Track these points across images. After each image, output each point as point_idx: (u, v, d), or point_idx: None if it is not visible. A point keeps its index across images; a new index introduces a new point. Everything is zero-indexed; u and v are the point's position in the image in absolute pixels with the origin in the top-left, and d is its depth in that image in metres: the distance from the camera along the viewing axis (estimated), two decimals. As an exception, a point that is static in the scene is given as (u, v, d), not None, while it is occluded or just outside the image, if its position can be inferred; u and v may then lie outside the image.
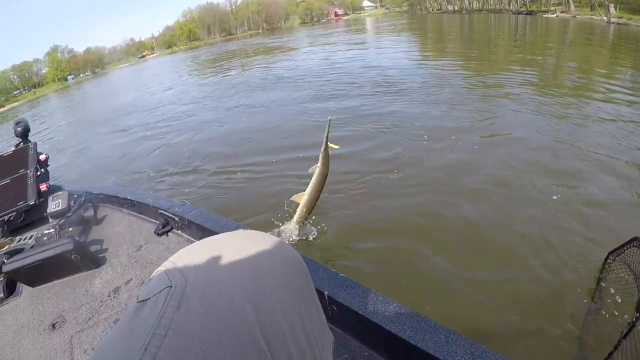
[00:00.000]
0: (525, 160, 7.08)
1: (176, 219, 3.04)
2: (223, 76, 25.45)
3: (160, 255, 2.89)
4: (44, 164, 3.53)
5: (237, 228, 2.60)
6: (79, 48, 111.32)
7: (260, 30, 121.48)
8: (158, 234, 3.11)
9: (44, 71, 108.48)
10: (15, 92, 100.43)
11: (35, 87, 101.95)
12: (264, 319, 0.48)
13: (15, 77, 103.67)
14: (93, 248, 3.19)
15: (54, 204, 3.11)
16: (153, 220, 3.33)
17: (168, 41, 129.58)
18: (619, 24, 40.67)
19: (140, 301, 0.52)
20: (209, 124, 13.30)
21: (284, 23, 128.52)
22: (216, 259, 0.54)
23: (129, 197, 3.55)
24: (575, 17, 47.95)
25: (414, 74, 16.01)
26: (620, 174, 6.37)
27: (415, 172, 6.99)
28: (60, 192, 3.24)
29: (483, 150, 7.67)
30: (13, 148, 3.60)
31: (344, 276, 2.04)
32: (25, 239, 2.99)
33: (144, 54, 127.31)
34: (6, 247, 2.89)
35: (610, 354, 2.49)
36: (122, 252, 3.06)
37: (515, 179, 6.42)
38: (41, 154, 3.54)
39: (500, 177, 6.52)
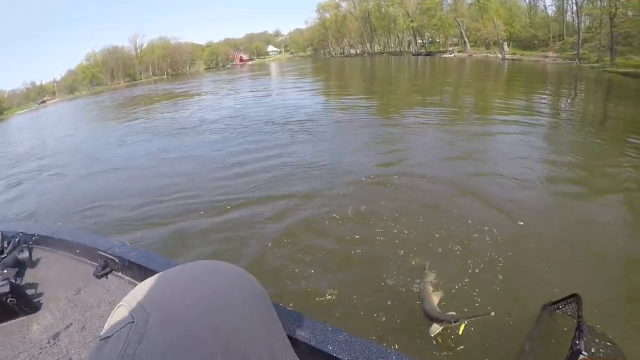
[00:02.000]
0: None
1: (116, 260, 2.89)
2: (128, 122, 23.41)
3: (101, 298, 2.75)
4: None
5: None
6: None
7: (165, 76, 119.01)
8: (97, 276, 2.91)
9: None
10: None
11: None
12: (230, 348, 0.48)
13: None
14: (29, 292, 2.91)
15: None
16: (91, 262, 3.13)
17: (70, 86, 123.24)
18: (512, 59, 42.81)
19: (102, 338, 0.52)
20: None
21: (189, 68, 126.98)
22: (178, 291, 0.55)
23: (65, 238, 3.34)
24: (471, 55, 50.61)
25: (318, 118, 15.73)
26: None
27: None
28: None
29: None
30: None
31: (293, 310, 2.03)
32: None
33: (45, 99, 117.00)
34: None
35: None
36: (61, 295, 2.84)
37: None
38: None
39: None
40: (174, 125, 18.47)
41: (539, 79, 27.67)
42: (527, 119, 12.72)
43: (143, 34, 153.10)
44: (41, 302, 2.85)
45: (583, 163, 8.59)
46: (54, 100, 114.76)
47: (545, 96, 18.71)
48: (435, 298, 4.07)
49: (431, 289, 4.29)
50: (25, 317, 2.71)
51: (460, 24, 56.74)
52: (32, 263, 3.26)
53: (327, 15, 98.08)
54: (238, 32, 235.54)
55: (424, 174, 8.08)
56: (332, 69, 52.59)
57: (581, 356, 2.44)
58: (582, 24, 41.65)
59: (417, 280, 4.64)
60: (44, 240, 3.56)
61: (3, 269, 2.97)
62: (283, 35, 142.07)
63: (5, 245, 3.28)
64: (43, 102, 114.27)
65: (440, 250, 5.34)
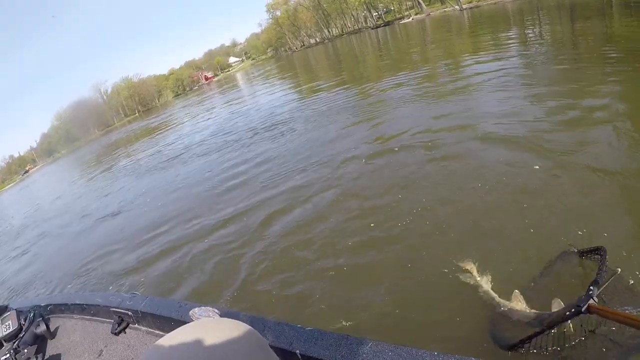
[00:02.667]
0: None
1: (130, 313, 2.84)
2: (111, 170, 23.06)
3: (123, 354, 2.71)
4: None
5: (192, 308, 2.40)
6: None
7: (137, 114, 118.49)
8: (116, 334, 2.84)
9: None
10: None
11: None
12: None
13: None
14: None
15: (4, 327, 3.04)
16: (108, 320, 3.05)
17: (48, 149, 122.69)
18: (471, 8, 42.51)
19: None
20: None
21: (158, 100, 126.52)
22: (176, 355, 0.55)
23: (77, 302, 3.29)
24: (429, 14, 50.14)
25: (297, 114, 15.54)
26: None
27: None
28: (8, 313, 3.14)
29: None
30: None
31: (311, 329, 1.98)
32: None
33: (27, 168, 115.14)
34: None
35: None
36: None
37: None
38: None
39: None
40: (159, 160, 18.31)
41: (502, 20, 27.40)
42: (501, 64, 12.47)
43: (105, 79, 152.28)
44: None
45: (568, 90, 8.38)
46: (37, 167, 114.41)
47: (512, 35, 18.54)
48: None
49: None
50: None
51: (411, -15, 56.09)
52: (51, 334, 3.20)
53: (278, 12, 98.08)
54: (196, 52, 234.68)
55: (421, 139, 7.98)
56: (297, 63, 52.31)
57: (591, 301, 2.33)
58: None
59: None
60: (59, 309, 3.54)
61: (24, 349, 2.93)
62: (241, 43, 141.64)
63: (22, 322, 3.19)
64: (26, 172, 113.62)
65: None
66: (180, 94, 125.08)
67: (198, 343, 0.56)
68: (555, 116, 7.02)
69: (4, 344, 3.05)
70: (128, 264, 7.64)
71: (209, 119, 26.24)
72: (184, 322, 2.16)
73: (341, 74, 24.07)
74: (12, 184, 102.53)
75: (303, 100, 18.10)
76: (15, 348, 2.90)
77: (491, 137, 6.93)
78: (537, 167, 5.45)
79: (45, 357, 2.98)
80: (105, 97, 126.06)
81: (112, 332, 2.88)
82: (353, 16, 78.28)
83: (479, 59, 14.20)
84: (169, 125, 34.92)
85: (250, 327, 0.63)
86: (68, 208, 17.10)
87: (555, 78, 9.58)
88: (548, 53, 12.95)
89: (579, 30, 15.79)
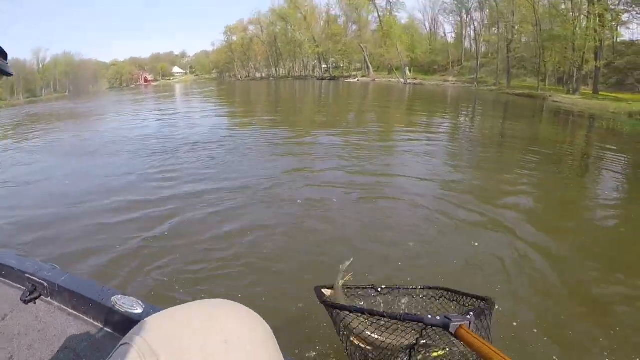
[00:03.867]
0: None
1: (45, 284, 2.58)
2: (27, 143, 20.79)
3: (29, 325, 2.43)
4: None
5: (113, 295, 2.32)
6: None
7: (67, 94, 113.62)
8: (25, 302, 2.56)
9: None
10: None
11: None
12: None
13: None
14: None
15: None
16: (17, 286, 2.74)
17: None
18: (414, 84, 43.98)
19: None
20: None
21: (92, 87, 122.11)
22: (186, 332, 0.54)
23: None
24: (374, 80, 51.72)
25: (223, 142, 14.69)
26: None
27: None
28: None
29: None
30: None
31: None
32: None
33: None
34: None
35: None
36: None
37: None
38: None
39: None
40: (79, 148, 16.77)
41: (440, 101, 28.43)
42: (430, 138, 13.01)
43: (47, 47, 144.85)
44: None
45: (483, 175, 8.91)
46: None
47: (447, 117, 19.21)
48: None
49: None
50: None
51: (365, 49, 58.13)
52: None
53: (235, 38, 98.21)
54: (144, 51, 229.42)
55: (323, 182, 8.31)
56: (238, 92, 51.80)
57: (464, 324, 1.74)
58: (480, 50, 43.63)
59: None
60: None
61: None
62: (189, 56, 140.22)
63: None
64: None
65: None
66: (115, 87, 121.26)
67: (210, 322, 0.54)
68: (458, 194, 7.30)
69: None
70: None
71: (141, 121, 24.85)
72: (103, 306, 2.22)
73: (278, 114, 24.11)
74: None
75: (233, 131, 17.53)
76: None
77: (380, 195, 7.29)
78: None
79: None
80: (41, 65, 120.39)
81: (20, 299, 2.63)
82: (303, 62, 79.34)
83: (409, 130, 14.57)
84: (98, 115, 33.04)
85: (259, 316, 0.62)
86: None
87: (474, 162, 10.15)
88: (475, 141, 13.40)
89: (507, 127, 16.55)
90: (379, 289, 2.22)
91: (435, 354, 1.95)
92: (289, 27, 77.91)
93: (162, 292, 4.65)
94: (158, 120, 23.85)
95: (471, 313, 1.68)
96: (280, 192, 7.85)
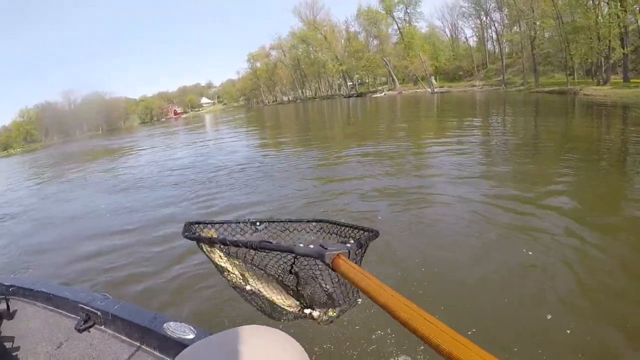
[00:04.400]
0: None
1: (99, 313, 2.70)
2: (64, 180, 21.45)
3: (84, 353, 2.59)
4: None
5: (165, 321, 2.41)
6: None
7: (100, 131, 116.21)
8: (79, 330, 2.69)
9: None
10: None
11: None
12: None
13: None
14: (7, 345, 2.85)
15: None
16: (72, 316, 2.87)
17: (4, 143, 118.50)
18: (441, 92, 43.62)
19: None
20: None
21: (124, 123, 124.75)
22: (234, 358, 0.57)
23: (44, 290, 3.10)
24: (401, 92, 51.27)
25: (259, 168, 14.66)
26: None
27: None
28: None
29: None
30: None
31: None
32: None
33: None
34: None
35: None
36: (40, 350, 2.72)
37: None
38: None
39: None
40: (118, 182, 17.05)
41: (469, 107, 28.08)
42: (462, 145, 12.87)
43: (77, 89, 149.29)
44: (19, 356, 2.78)
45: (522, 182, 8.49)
46: None
47: (477, 122, 19.03)
48: None
49: None
50: None
51: (388, 63, 58.21)
52: (10, 315, 3.12)
53: (258, 64, 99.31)
54: (171, 85, 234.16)
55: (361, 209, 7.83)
56: (268, 117, 52.12)
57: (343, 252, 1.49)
58: (504, 50, 43.22)
59: None
60: (22, 292, 3.35)
61: None
62: (215, 86, 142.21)
63: None
64: None
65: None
66: (147, 122, 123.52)
67: (259, 350, 0.56)
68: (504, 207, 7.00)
69: None
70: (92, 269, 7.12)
71: (175, 154, 25.11)
72: (156, 332, 2.31)
73: (310, 138, 23.38)
74: None
75: (267, 157, 17.33)
76: None
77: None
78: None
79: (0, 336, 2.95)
80: (72, 106, 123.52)
81: (75, 328, 2.75)
82: (328, 81, 79.75)
83: (441, 141, 14.41)
84: (130, 151, 33.93)
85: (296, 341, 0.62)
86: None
87: (512, 170, 9.69)
88: (509, 144, 13.15)
89: (540, 126, 16.37)
90: (257, 223, 1.96)
91: (331, 313, 1.79)
92: (311, 49, 78.33)
93: (209, 315, 4.81)
94: (192, 151, 24.18)
95: (351, 241, 1.55)
96: (326, 208, 7.98)
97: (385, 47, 60.65)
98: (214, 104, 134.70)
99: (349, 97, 63.29)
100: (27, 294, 3.32)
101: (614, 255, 4.96)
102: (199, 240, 1.57)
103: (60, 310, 3.02)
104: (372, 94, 57.06)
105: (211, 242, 1.56)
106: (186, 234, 1.61)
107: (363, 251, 1.53)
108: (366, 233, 1.66)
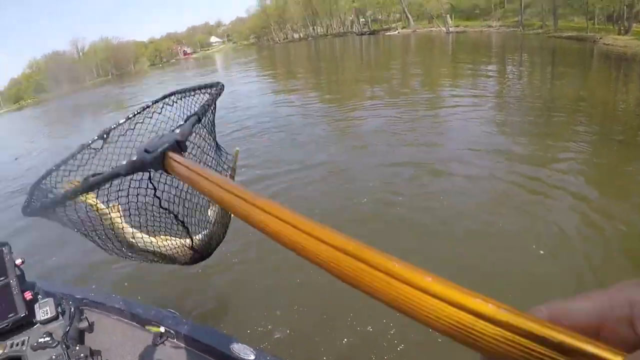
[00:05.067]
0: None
1: (171, 330, 2.92)
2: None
3: None
4: (22, 271, 3.33)
5: (229, 342, 2.67)
6: None
7: (110, 77, 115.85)
8: (155, 345, 2.94)
9: None
10: None
11: None
12: None
13: None
14: (95, 359, 2.93)
15: (42, 312, 3.03)
16: (147, 330, 3.07)
17: (15, 95, 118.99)
18: (457, 32, 42.68)
19: None
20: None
21: (134, 67, 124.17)
22: None
23: (116, 306, 3.31)
24: (415, 31, 50.21)
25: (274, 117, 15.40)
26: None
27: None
28: (46, 299, 3.12)
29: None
30: None
31: None
32: (17, 345, 2.92)
33: None
34: (1, 351, 2.91)
35: None
36: None
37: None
38: (17, 258, 3.36)
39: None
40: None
41: (485, 52, 27.36)
42: (476, 99, 13.02)
43: (83, 36, 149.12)
44: None
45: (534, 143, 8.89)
46: (1, 111, 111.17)
47: (492, 73, 18.71)
48: None
49: None
50: None
51: (402, 0, 56.37)
52: (90, 328, 3.23)
53: (268, 1, 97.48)
54: (179, 26, 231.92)
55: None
56: (278, 56, 51.83)
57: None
58: None
59: None
60: (95, 305, 3.54)
61: (75, 345, 2.93)
62: (225, 25, 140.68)
63: (59, 310, 3.16)
64: None
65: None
66: (156, 64, 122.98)
67: None
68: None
69: (40, 326, 3.05)
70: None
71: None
72: (220, 351, 2.58)
73: (320, 79, 24.20)
74: None
75: (279, 104, 17.72)
76: (65, 343, 2.92)
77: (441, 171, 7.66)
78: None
79: (91, 353, 2.98)
80: (81, 54, 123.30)
81: (153, 343, 2.95)
82: (340, 18, 77.94)
83: (456, 91, 14.68)
84: (140, 102, 33.61)
85: None
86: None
87: (524, 142, 9.53)
88: (523, 101, 13.00)
89: (556, 80, 16.02)
90: (92, 142, 1.64)
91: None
92: None
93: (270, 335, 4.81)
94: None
95: (177, 129, 1.15)
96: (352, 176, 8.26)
97: None
98: (223, 42, 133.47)
99: (362, 34, 62.01)
100: (100, 308, 3.50)
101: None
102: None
103: (134, 324, 3.23)
104: (385, 32, 55.88)
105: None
106: (28, 210, 1.32)
107: (211, 125, 1.35)
108: (205, 94, 1.49)
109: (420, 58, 28.39)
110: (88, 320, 3.19)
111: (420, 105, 13.01)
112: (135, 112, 1.62)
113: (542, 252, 5.09)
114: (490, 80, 16.56)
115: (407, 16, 55.93)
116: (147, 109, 1.63)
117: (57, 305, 3.16)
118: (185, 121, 1.18)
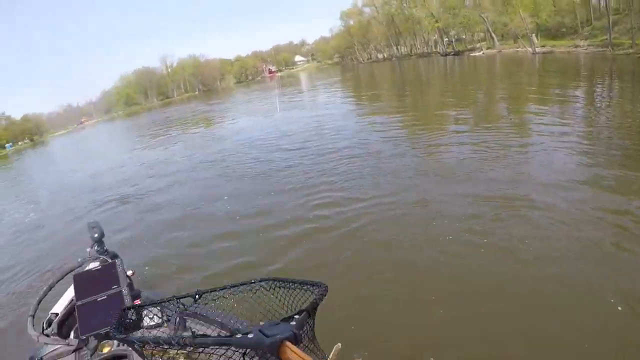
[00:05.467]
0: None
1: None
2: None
3: None
4: (131, 281, 3.76)
5: None
6: (16, 115, 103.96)
7: (197, 93, 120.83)
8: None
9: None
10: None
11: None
12: None
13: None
14: None
15: (148, 319, 3.07)
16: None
17: (106, 106, 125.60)
18: (543, 53, 42.48)
19: None
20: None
21: (220, 83, 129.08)
22: None
23: (218, 319, 3.40)
24: (500, 52, 49.73)
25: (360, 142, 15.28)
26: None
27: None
28: (152, 308, 2.89)
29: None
30: (94, 263, 3.88)
31: None
32: (125, 344, 3.11)
33: (82, 120, 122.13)
34: (108, 349, 3.22)
35: None
36: None
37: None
38: (128, 270, 3.79)
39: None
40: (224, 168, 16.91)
41: (573, 76, 26.60)
42: (567, 129, 12.40)
43: (172, 53, 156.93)
44: None
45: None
46: (92, 121, 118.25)
47: (581, 99, 18.17)
48: None
49: None
50: None
51: (486, 20, 56.18)
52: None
53: (351, 22, 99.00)
54: (264, 44, 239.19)
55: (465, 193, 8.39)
56: (364, 78, 52.53)
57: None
58: (610, 5, 40.50)
59: None
60: (197, 317, 3.64)
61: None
62: (309, 44, 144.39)
63: (165, 318, 3.39)
64: (81, 123, 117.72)
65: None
66: (242, 81, 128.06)
67: None
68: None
69: (145, 331, 3.04)
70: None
71: (277, 124, 24.94)
72: None
73: (404, 102, 24.55)
74: (64, 132, 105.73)
75: (366, 127, 17.70)
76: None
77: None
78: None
79: None
80: (169, 70, 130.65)
81: None
82: (424, 38, 78.28)
83: (544, 118, 14.12)
84: (227, 120, 34.72)
85: None
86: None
87: (615, 162, 9.12)
88: (612, 131, 12.06)
89: None
90: (196, 295, 1.76)
91: None
92: (404, 5, 76.93)
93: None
94: (288, 119, 24.66)
95: (296, 317, 1.35)
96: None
97: (483, 2, 58.24)
98: (307, 61, 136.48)
99: (446, 55, 62.36)
100: (202, 319, 3.59)
101: None
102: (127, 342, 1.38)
103: (213, 327, 3.37)
104: (470, 53, 56.06)
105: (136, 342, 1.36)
106: (116, 334, 1.47)
107: (313, 319, 1.45)
108: (315, 290, 1.58)
109: (506, 81, 27.97)
110: (191, 329, 3.13)
111: (507, 132, 12.95)
112: (233, 285, 1.75)
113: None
114: (580, 107, 16.27)
115: (491, 36, 55.78)
116: (244, 286, 1.75)
117: (162, 313, 3.38)
118: (299, 314, 1.34)
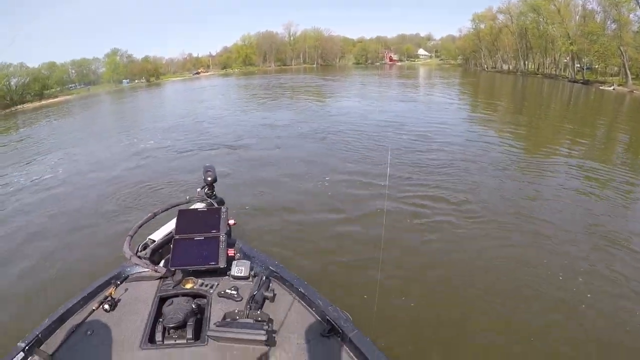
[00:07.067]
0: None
1: (340, 330, 3.02)
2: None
3: (324, 355, 2.90)
4: (230, 230, 3.99)
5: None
6: (138, 54, 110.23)
7: (315, 65, 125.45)
8: (322, 335, 3.07)
9: (101, 70, 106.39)
10: (70, 86, 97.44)
11: (90, 84, 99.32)
12: None
13: (72, 71, 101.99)
14: (266, 327, 3.07)
15: (237, 270, 3.54)
16: (319, 319, 3.28)
17: (224, 62, 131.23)
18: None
19: None
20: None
21: (338, 61, 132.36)
22: None
23: (300, 289, 3.50)
24: (632, 92, 46.46)
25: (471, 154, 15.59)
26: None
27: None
28: (244, 261, 3.65)
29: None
30: (200, 204, 4.43)
31: None
32: (207, 286, 3.44)
33: (199, 71, 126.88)
34: (190, 285, 3.45)
35: None
36: (293, 341, 3.03)
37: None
38: (230, 219, 3.99)
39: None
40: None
41: None
42: None
43: (297, 23, 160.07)
44: (276, 339, 3.00)
45: None
46: (208, 73, 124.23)
47: None
48: None
49: None
50: (262, 346, 2.90)
51: (624, 53, 53.15)
52: (273, 298, 3.43)
53: (482, 26, 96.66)
54: (390, 31, 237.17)
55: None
56: (485, 87, 52.64)
57: None
58: None
59: None
60: (283, 281, 3.71)
61: (256, 309, 3.17)
62: (435, 40, 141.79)
63: (252, 273, 3.61)
64: (197, 73, 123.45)
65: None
66: (360, 63, 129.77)
67: None
68: None
69: (230, 279, 3.58)
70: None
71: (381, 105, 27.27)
72: None
73: (520, 121, 24.42)
74: (180, 78, 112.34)
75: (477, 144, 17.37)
76: (249, 302, 3.22)
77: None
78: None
79: (268, 321, 3.15)
80: (292, 38, 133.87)
81: (320, 334, 3.06)
82: (554, 59, 75.19)
83: None
84: (342, 96, 36.53)
85: None
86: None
87: None
88: None
89: None
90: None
91: None
92: (541, 19, 73.74)
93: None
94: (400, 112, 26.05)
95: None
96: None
97: (624, 34, 54.82)
98: (430, 57, 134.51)
99: (574, 82, 60.07)
100: (286, 284, 3.65)
101: None
102: None
103: (310, 310, 3.36)
104: (600, 85, 53.66)
105: None
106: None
107: None
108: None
109: (632, 123, 25.27)
110: (273, 292, 3.45)
111: (620, 177, 12.22)
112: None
113: None
114: None
115: (626, 72, 53.13)
116: None
117: (251, 268, 3.61)
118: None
